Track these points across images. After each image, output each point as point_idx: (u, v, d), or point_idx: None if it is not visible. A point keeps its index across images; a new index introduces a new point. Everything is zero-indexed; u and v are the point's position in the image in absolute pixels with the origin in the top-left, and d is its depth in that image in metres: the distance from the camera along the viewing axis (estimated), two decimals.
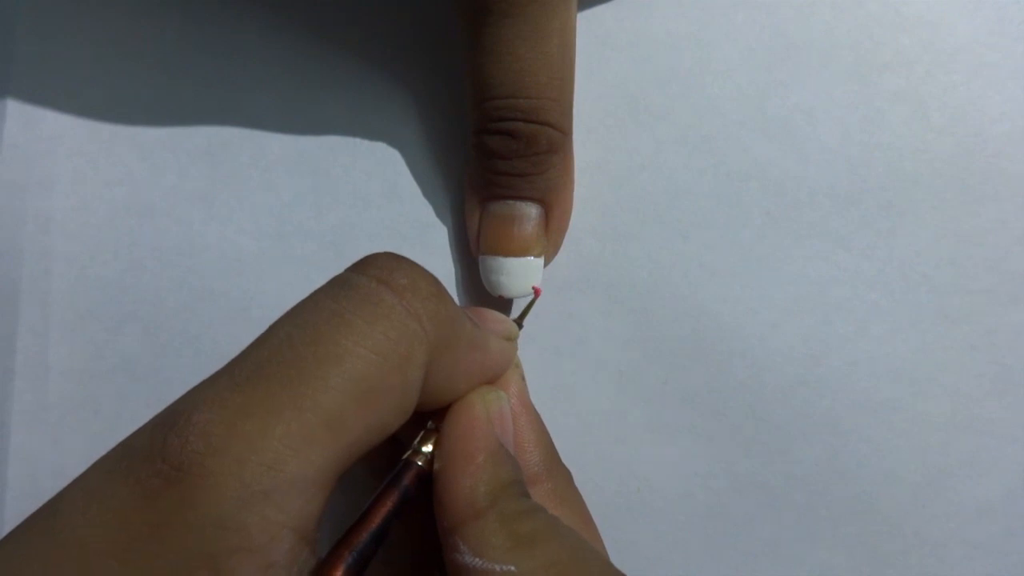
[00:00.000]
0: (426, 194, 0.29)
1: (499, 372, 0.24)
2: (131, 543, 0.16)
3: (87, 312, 0.29)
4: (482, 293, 0.28)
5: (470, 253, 0.28)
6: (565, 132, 0.26)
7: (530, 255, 0.27)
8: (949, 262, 0.28)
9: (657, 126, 0.29)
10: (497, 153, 0.26)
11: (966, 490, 0.28)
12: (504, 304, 0.28)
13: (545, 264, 0.28)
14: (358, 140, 0.29)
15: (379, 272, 0.20)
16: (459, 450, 0.20)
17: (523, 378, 0.25)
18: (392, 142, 0.29)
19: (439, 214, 0.29)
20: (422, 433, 0.21)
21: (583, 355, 0.29)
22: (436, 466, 0.21)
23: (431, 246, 0.29)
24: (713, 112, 0.29)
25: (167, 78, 0.29)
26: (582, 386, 0.29)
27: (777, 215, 0.29)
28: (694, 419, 0.29)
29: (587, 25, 0.28)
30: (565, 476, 0.25)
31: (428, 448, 0.21)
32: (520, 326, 0.26)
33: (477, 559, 0.18)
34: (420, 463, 0.20)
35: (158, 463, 0.16)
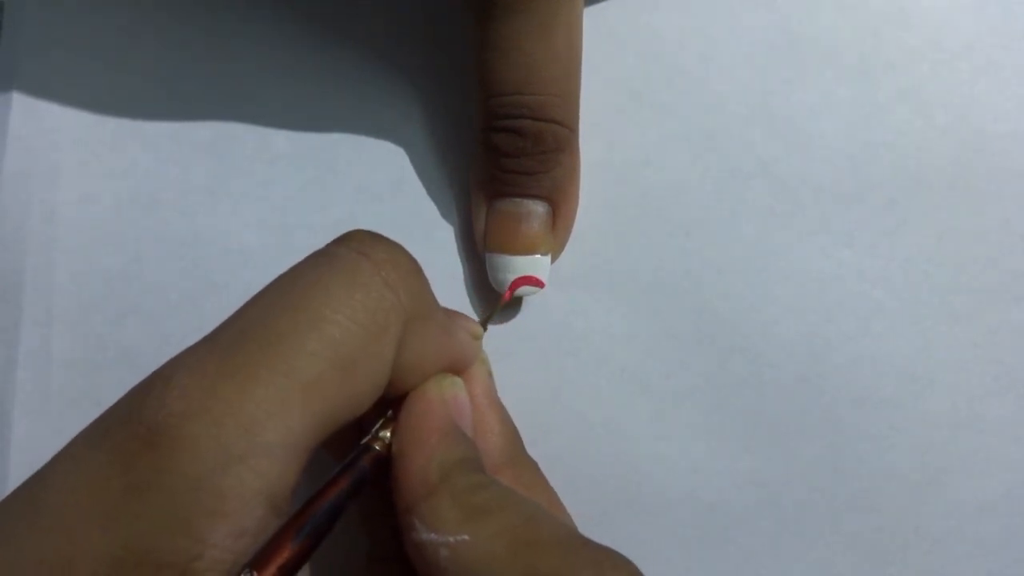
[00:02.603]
0: (431, 190, 0.29)
1: (465, 362, 0.24)
2: (111, 507, 0.16)
3: (90, 303, 0.29)
4: (488, 290, 0.28)
5: (476, 250, 0.28)
6: (572, 129, 0.26)
7: (537, 253, 0.27)
8: (952, 260, 0.28)
9: (661, 122, 0.29)
10: (504, 151, 0.26)
11: (967, 488, 0.28)
12: (511, 302, 0.28)
13: (552, 261, 0.28)
14: (364, 135, 0.29)
15: (359, 245, 0.20)
16: (412, 432, 0.21)
17: (490, 374, 0.25)
18: (398, 137, 0.29)
19: (444, 210, 0.29)
20: (381, 420, 0.22)
21: (585, 351, 0.29)
22: (393, 450, 0.21)
23: (436, 242, 0.29)
24: (717, 109, 0.29)
25: (173, 70, 0.29)
26: (584, 382, 0.29)
27: (780, 212, 0.29)
28: (696, 416, 0.29)
29: (592, 21, 0.28)
30: (530, 466, 0.25)
31: (387, 435, 0.21)
32: (484, 328, 0.26)
33: (432, 534, 0.18)
34: (378, 448, 0.21)
35: (135, 426, 0.16)
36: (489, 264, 0.28)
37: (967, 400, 0.28)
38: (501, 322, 0.29)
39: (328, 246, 0.21)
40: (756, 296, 0.29)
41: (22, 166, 0.29)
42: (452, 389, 0.22)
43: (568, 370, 0.29)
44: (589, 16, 0.28)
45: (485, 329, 0.26)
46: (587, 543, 0.19)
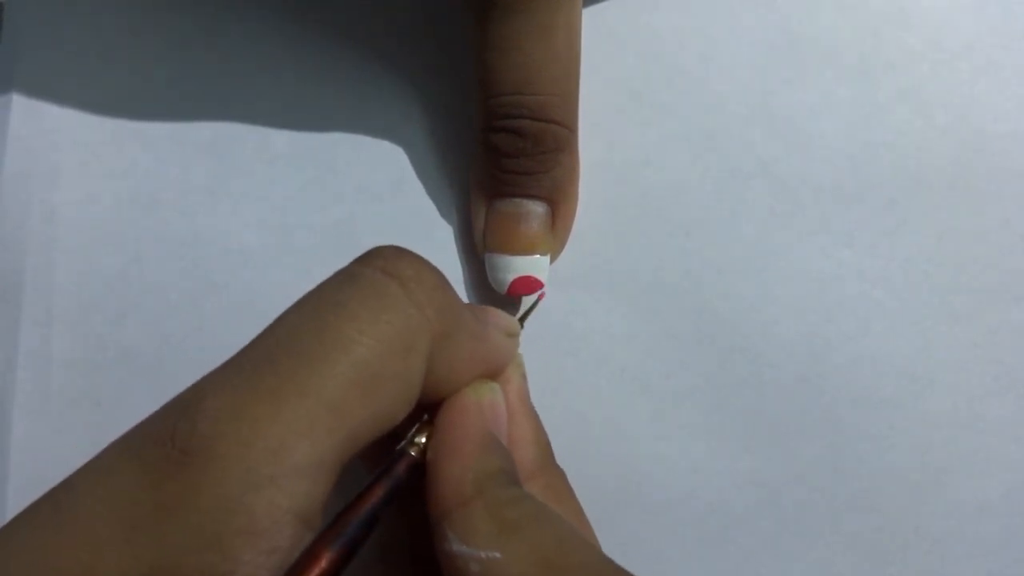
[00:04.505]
0: (431, 190, 0.29)
1: (500, 366, 0.24)
2: (139, 523, 0.16)
3: (90, 303, 0.29)
4: (488, 290, 0.28)
5: (475, 249, 0.28)
6: (571, 129, 0.26)
7: (536, 253, 0.27)
8: (952, 260, 0.28)
9: (661, 122, 0.29)
10: (504, 151, 0.26)
11: (967, 488, 0.28)
12: (511, 302, 0.28)
13: (551, 262, 0.28)
14: (364, 135, 0.29)
15: (384, 263, 0.20)
16: (449, 440, 0.21)
17: (524, 376, 0.25)
18: (397, 137, 0.29)
19: (444, 210, 0.29)
20: (417, 425, 0.21)
21: (585, 351, 0.29)
22: (428, 457, 0.21)
23: (436, 242, 0.29)
24: (717, 109, 0.29)
25: (173, 71, 0.29)
26: (584, 382, 0.29)
27: (780, 212, 0.29)
28: (696, 416, 0.29)
29: (592, 21, 0.28)
30: (559, 475, 0.25)
31: (423, 440, 0.21)
32: (521, 325, 0.26)
33: (463, 546, 0.19)
34: (413, 454, 0.21)
35: (167, 447, 0.17)
36: (489, 264, 0.28)
37: (967, 400, 0.28)
38: None
39: (353, 265, 0.21)
40: (756, 296, 0.29)
41: (22, 166, 0.29)
42: (489, 395, 0.22)
43: (568, 370, 0.29)
44: (589, 16, 0.28)
45: (522, 326, 0.25)
46: (617, 571, 0.18)
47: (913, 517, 0.28)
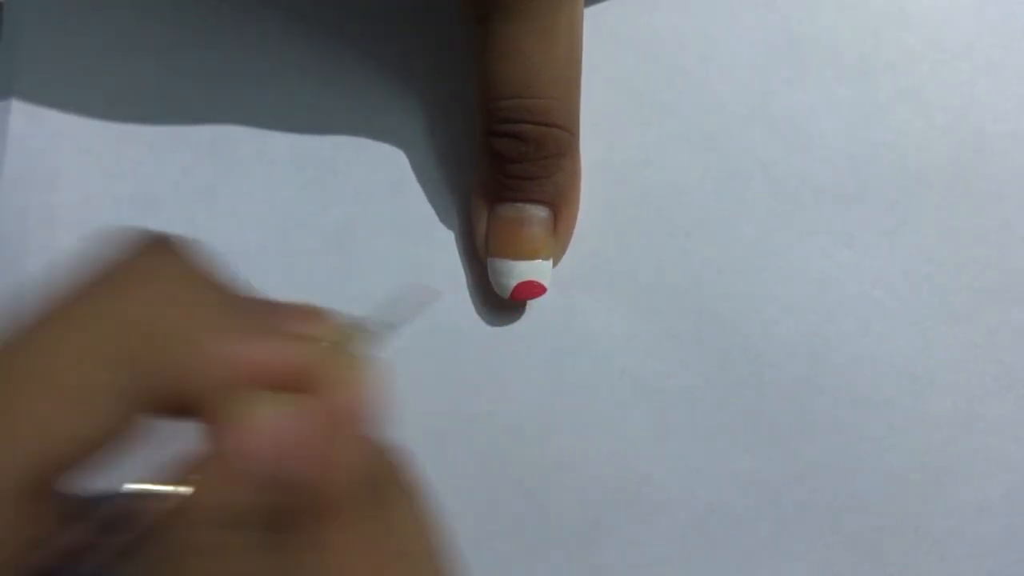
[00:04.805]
0: (431, 192, 0.29)
1: (292, 375, 0.17)
2: None
3: None
4: (490, 294, 0.28)
5: (476, 253, 0.28)
6: (573, 133, 0.26)
7: (539, 257, 0.27)
8: (952, 261, 0.28)
9: (661, 123, 0.29)
10: (505, 156, 0.26)
11: (967, 488, 0.28)
12: (515, 306, 0.28)
13: (553, 266, 0.28)
14: (363, 137, 0.29)
15: (117, 249, 0.17)
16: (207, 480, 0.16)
17: (357, 387, 0.17)
18: (397, 139, 0.29)
19: (445, 211, 0.29)
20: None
21: (585, 352, 0.29)
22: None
23: (435, 242, 0.29)
24: (717, 109, 0.29)
25: (172, 73, 0.29)
26: (584, 383, 0.29)
27: (780, 212, 0.29)
28: (696, 416, 0.29)
29: (592, 22, 0.28)
30: (390, 511, 0.18)
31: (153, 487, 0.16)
32: (394, 325, 0.19)
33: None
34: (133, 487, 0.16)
35: None
36: (491, 268, 0.28)
37: (967, 400, 0.28)
38: (503, 324, 0.29)
39: (98, 245, 0.17)
40: (756, 296, 0.29)
41: (22, 168, 0.29)
42: (266, 413, 0.16)
43: (568, 370, 0.29)
44: (589, 16, 0.28)
45: (396, 327, 0.19)
46: None
47: (913, 517, 0.28)
